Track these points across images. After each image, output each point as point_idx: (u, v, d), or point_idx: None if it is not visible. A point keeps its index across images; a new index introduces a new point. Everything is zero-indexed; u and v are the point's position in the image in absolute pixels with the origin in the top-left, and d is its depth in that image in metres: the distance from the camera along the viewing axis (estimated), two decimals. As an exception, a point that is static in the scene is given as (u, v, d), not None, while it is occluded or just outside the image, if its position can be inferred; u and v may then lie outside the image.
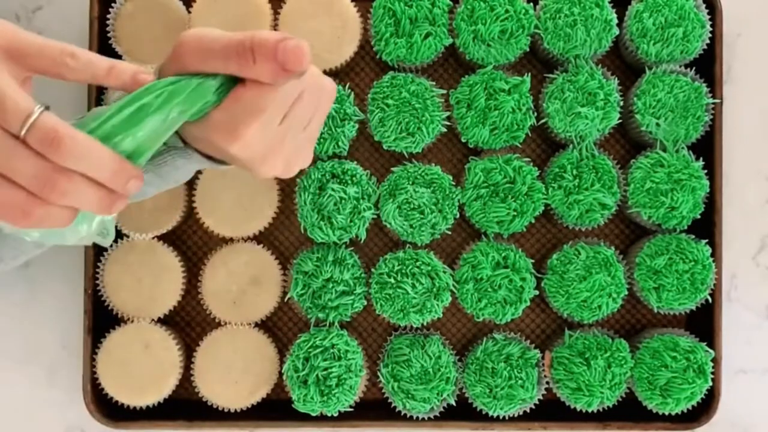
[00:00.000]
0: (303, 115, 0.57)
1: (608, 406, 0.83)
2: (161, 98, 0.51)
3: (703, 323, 0.85)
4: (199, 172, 0.84)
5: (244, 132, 0.54)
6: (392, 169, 0.82)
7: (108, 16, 0.83)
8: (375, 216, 0.82)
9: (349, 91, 0.82)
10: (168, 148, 0.61)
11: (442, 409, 0.83)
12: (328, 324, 0.82)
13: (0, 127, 0.45)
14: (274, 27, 0.84)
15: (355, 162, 0.82)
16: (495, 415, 0.82)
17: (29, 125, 0.45)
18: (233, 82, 0.54)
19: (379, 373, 0.83)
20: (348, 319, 0.82)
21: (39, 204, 0.46)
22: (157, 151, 0.54)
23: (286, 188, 0.87)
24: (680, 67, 0.83)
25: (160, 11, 0.83)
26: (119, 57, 0.83)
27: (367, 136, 0.86)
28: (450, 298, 0.81)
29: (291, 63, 0.49)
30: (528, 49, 0.82)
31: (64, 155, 0.46)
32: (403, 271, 0.81)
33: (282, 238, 0.88)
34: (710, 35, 0.83)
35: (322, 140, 0.81)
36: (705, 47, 0.83)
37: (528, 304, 0.82)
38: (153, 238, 0.84)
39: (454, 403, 0.83)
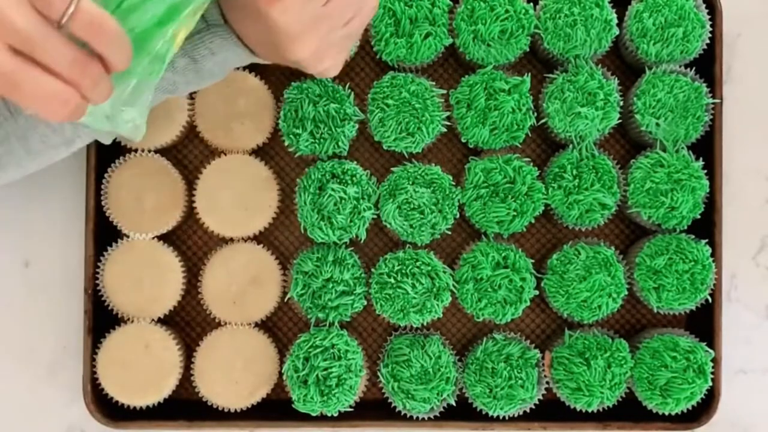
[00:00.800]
0: (346, 7, 0.58)
1: (608, 406, 0.83)
2: None
3: (703, 323, 0.85)
4: (202, 167, 0.84)
5: None
6: (392, 169, 0.82)
7: (108, 16, 0.83)
8: (375, 216, 0.82)
9: (349, 91, 0.82)
10: (207, 25, 0.61)
11: (442, 409, 0.83)
12: (328, 324, 0.82)
13: (38, 13, 0.43)
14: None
15: (355, 162, 0.82)
16: (495, 415, 0.82)
17: (73, 10, 0.43)
18: None
19: (379, 373, 0.83)
20: (348, 319, 0.82)
21: (74, 92, 0.45)
22: (195, 28, 0.53)
23: (286, 188, 0.87)
24: (680, 67, 0.83)
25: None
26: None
27: (367, 136, 0.86)
28: (450, 298, 0.81)
29: None
30: (528, 49, 0.82)
31: (105, 42, 0.45)
32: (403, 271, 0.81)
33: (282, 238, 0.88)
34: (710, 35, 0.83)
35: (322, 140, 0.81)
36: (705, 47, 0.83)
37: (528, 304, 0.82)
38: (153, 238, 0.84)
39: (454, 403, 0.83)
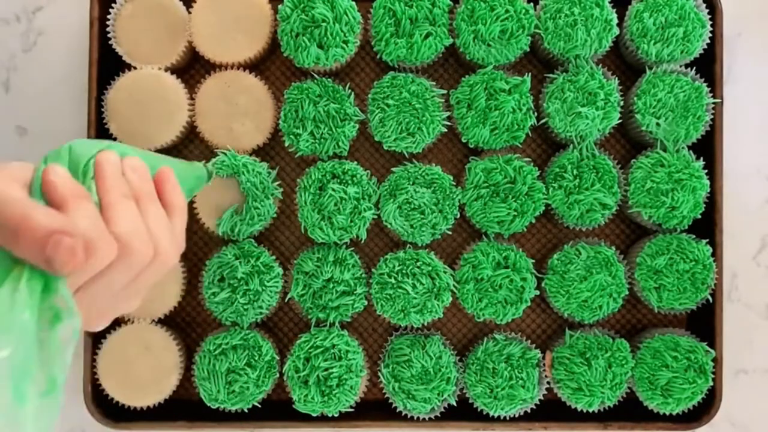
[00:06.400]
0: (106, 286, 0.49)
1: (609, 406, 0.83)
2: None
3: (704, 323, 0.85)
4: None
5: None
6: (392, 169, 0.82)
7: (108, 16, 0.83)
8: (375, 216, 0.82)
9: (350, 91, 0.82)
10: None
11: (442, 410, 0.83)
12: (328, 324, 0.82)
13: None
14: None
15: (356, 162, 0.82)
16: (496, 415, 0.82)
17: None
18: None
19: (379, 374, 0.83)
20: (348, 320, 0.82)
21: None
22: None
23: (287, 188, 0.87)
24: (680, 66, 0.83)
25: (160, 12, 0.83)
26: (119, 57, 0.83)
27: (368, 136, 0.86)
28: (450, 299, 0.81)
29: (58, 262, 0.43)
30: (528, 49, 0.82)
31: None
32: (404, 271, 0.81)
33: (282, 238, 0.88)
34: (710, 35, 0.83)
35: (322, 140, 0.81)
36: (705, 47, 0.83)
37: (528, 304, 0.82)
38: (153, 238, 0.84)
39: (454, 404, 0.83)
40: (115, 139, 0.83)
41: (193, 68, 0.88)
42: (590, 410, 0.82)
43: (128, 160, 0.54)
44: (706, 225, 0.84)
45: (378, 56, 0.82)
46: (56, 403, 0.43)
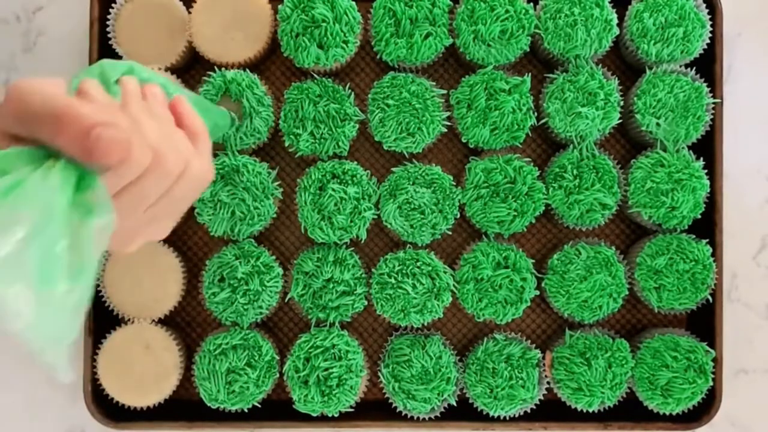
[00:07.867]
0: (141, 196, 0.48)
1: (609, 406, 0.83)
2: None
3: (704, 323, 0.85)
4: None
5: None
6: (392, 169, 0.82)
7: (108, 16, 0.83)
8: (375, 216, 0.82)
9: (350, 91, 0.82)
10: None
11: (442, 410, 0.83)
12: (328, 324, 0.82)
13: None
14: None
15: (356, 162, 0.82)
16: (496, 415, 0.82)
17: None
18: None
19: (379, 374, 0.83)
20: (348, 320, 0.82)
21: None
22: None
23: (287, 188, 0.87)
24: (680, 66, 0.83)
25: (160, 12, 0.83)
26: (120, 58, 0.83)
27: (368, 136, 0.86)
28: (450, 299, 0.81)
29: (99, 153, 0.42)
30: (528, 49, 0.82)
31: None
32: (404, 271, 0.81)
33: (282, 238, 0.88)
34: (710, 35, 0.83)
35: (322, 140, 0.81)
36: (705, 47, 0.83)
37: (528, 304, 0.82)
38: (153, 238, 0.84)
39: (454, 404, 0.83)
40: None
41: (193, 68, 0.88)
42: (590, 410, 0.82)
43: (148, 86, 0.54)
44: (706, 225, 0.84)
45: (378, 56, 0.82)
46: (86, 291, 0.43)
